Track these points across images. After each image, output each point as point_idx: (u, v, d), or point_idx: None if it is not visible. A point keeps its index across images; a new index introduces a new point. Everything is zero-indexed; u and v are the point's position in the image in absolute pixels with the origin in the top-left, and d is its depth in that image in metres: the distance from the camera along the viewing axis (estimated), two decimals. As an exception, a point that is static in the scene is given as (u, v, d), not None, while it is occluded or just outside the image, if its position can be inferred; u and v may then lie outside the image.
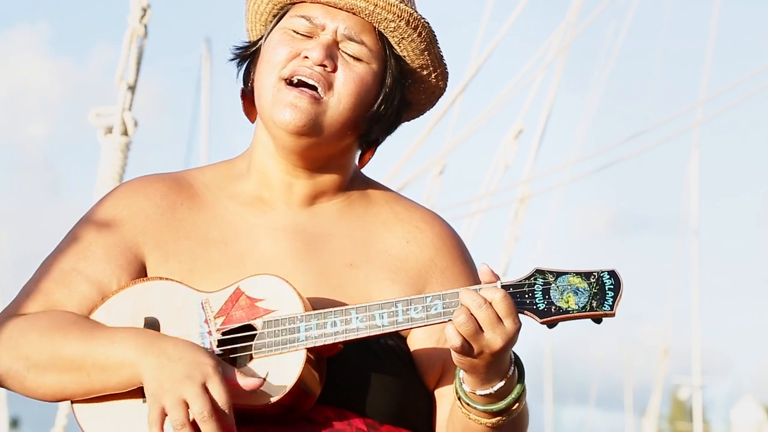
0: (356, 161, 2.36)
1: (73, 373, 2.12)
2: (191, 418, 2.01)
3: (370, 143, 2.35)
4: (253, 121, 2.35)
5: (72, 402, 2.16)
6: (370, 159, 2.38)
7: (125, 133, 4.96)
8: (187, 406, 2.02)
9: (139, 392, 2.11)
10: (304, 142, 2.23)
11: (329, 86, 2.23)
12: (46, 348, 2.14)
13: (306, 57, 2.22)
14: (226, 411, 2.01)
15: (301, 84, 2.23)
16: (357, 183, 2.35)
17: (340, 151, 2.30)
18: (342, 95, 2.23)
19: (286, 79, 2.23)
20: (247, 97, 2.35)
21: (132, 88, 4.99)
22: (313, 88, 2.22)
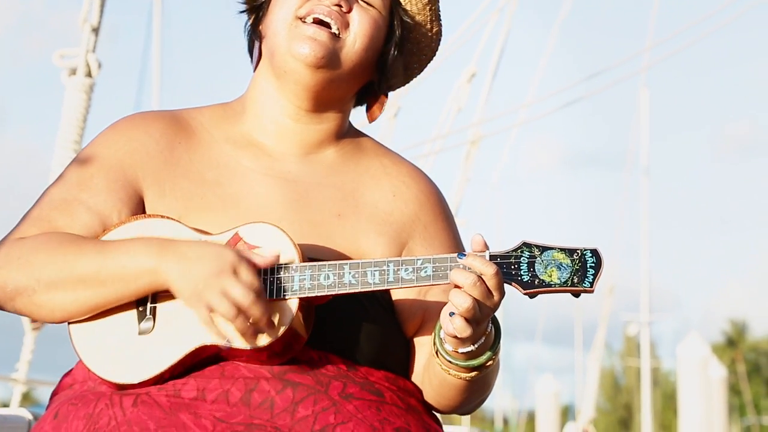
0: (356, 113, 2.43)
1: (88, 287, 2.15)
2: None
3: (373, 95, 2.41)
4: (255, 69, 2.40)
5: (69, 324, 2.20)
6: (380, 113, 2.46)
7: (89, 74, 5.03)
8: (230, 297, 2.07)
9: (134, 321, 2.17)
10: (320, 76, 2.30)
11: (345, 25, 2.31)
12: (59, 264, 2.16)
13: None
14: (258, 291, 2.08)
15: (317, 22, 2.30)
16: (350, 134, 2.42)
17: (342, 98, 2.37)
18: (357, 35, 2.31)
19: (302, 18, 2.31)
20: (252, 40, 2.41)
21: (96, 30, 5.05)
22: (330, 26, 2.30)
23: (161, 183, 2.30)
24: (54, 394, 2.28)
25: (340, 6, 2.31)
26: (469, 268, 2.09)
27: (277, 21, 2.32)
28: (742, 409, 53.46)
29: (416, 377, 2.32)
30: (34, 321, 2.27)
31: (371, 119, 2.45)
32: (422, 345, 2.32)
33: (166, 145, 2.33)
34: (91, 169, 2.30)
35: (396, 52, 2.38)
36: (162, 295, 2.18)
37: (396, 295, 2.32)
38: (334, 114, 2.37)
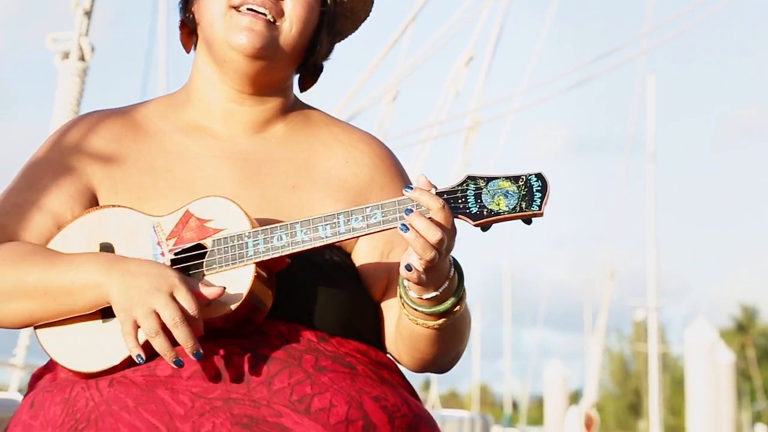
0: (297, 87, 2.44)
1: (38, 300, 2.17)
2: (161, 325, 2.09)
3: (310, 70, 2.43)
4: (189, 52, 2.43)
5: (35, 327, 2.22)
6: (312, 84, 2.47)
7: (82, 58, 5.01)
8: (158, 316, 2.07)
9: (98, 314, 2.18)
10: (259, 65, 2.31)
11: (280, 13, 2.31)
12: (10, 277, 2.17)
13: None
14: (195, 316, 2.10)
15: (252, 11, 2.30)
16: (296, 108, 2.44)
17: (284, 78, 2.39)
18: (293, 20, 2.32)
19: (236, 7, 2.31)
20: (186, 27, 2.42)
21: (88, 14, 5.03)
22: (265, 14, 2.30)
23: (112, 176, 2.31)
24: (30, 387, 2.29)
25: None
26: (416, 204, 2.09)
27: (210, 10, 2.32)
28: (752, 395, 53.43)
29: (389, 339, 2.33)
30: None
31: (303, 90, 2.46)
32: (390, 307, 2.33)
33: (112, 140, 2.35)
34: (39, 172, 2.32)
35: (326, 32, 2.39)
36: None
37: (359, 260, 2.33)
38: (277, 92, 2.38)
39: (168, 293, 2.09)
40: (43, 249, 2.23)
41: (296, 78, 2.45)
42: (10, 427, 2.20)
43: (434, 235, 2.08)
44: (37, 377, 2.29)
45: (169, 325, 2.07)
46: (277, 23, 2.30)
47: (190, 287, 2.11)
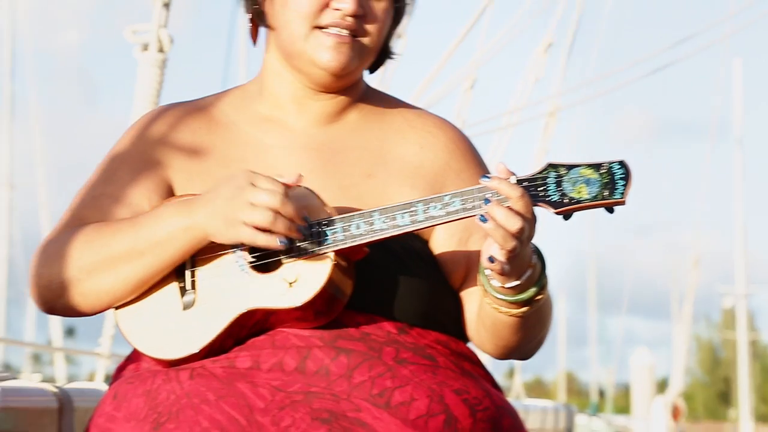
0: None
1: (128, 261, 2.19)
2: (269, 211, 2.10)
3: (380, 58, 2.40)
4: (255, 44, 2.41)
5: (117, 313, 2.24)
6: (380, 67, 2.45)
7: (161, 50, 5.05)
8: (258, 205, 2.10)
9: (178, 301, 2.20)
10: (341, 81, 2.33)
11: (363, 32, 2.30)
12: (97, 247, 2.20)
13: (337, 9, 2.27)
14: (282, 194, 2.10)
15: (336, 31, 2.28)
16: (369, 95, 2.42)
17: (359, 75, 2.38)
18: (373, 35, 2.31)
19: (320, 27, 2.29)
20: (254, 20, 2.39)
21: (167, 5, 5.07)
22: (348, 34, 2.28)
23: (187, 169, 2.32)
24: (113, 378, 2.31)
25: (356, 15, 2.28)
26: (495, 193, 2.08)
27: (293, 26, 2.30)
28: None
29: (470, 327, 2.31)
30: (81, 315, 2.28)
31: (371, 72, 2.44)
32: (470, 294, 2.30)
33: (187, 132, 2.35)
34: (116, 165, 2.34)
35: (396, 28, 2.40)
36: (202, 265, 2.20)
37: (436, 248, 2.31)
38: (349, 87, 2.37)
39: (250, 183, 2.12)
40: (121, 220, 2.25)
41: None
42: (94, 417, 2.22)
43: (514, 224, 2.06)
44: (120, 369, 2.30)
45: (276, 206, 2.09)
46: (358, 37, 2.30)
47: (262, 174, 2.13)
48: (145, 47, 5.04)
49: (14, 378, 2.70)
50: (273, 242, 2.11)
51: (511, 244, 2.07)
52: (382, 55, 2.39)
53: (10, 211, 30.47)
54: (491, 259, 2.10)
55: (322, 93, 2.35)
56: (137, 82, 5.03)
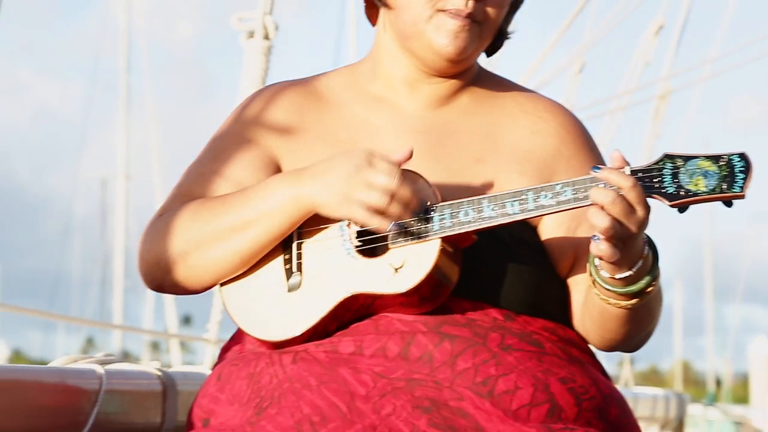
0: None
1: (235, 233, 2.19)
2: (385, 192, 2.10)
3: (497, 42, 2.37)
4: (374, 24, 2.39)
5: (222, 291, 2.24)
6: (497, 51, 2.41)
7: (267, 37, 5.07)
8: (376, 186, 2.09)
9: (283, 283, 2.20)
10: (455, 67, 2.30)
11: (484, 15, 2.27)
12: (204, 220, 2.21)
13: None
14: (399, 175, 2.09)
15: (458, 15, 2.25)
16: (481, 78, 2.39)
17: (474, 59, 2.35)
18: (491, 20, 2.28)
19: (442, 9, 2.26)
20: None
21: (272, -7, 5.08)
22: (470, 19, 2.25)
23: (295, 149, 2.31)
24: (219, 359, 2.32)
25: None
26: (607, 184, 2.03)
27: (415, 8, 2.26)
28: None
29: (576, 317, 2.27)
30: (189, 292, 2.30)
31: (488, 56, 2.41)
32: (577, 284, 2.26)
33: (296, 112, 2.34)
34: (224, 144, 2.34)
35: (513, 14, 2.36)
36: (308, 248, 2.20)
37: (544, 236, 2.27)
38: (465, 69, 2.34)
39: (368, 163, 2.11)
40: (228, 194, 2.24)
41: None
42: (198, 398, 2.23)
43: (620, 213, 2.01)
44: (225, 349, 2.30)
45: (393, 188, 2.08)
46: (478, 22, 2.26)
47: (379, 153, 2.12)
48: (251, 34, 5.05)
49: (120, 361, 2.73)
50: (385, 225, 2.11)
51: (613, 231, 2.03)
52: (499, 38, 2.36)
53: (127, 201, 31.09)
54: (596, 238, 2.05)
55: (435, 77, 2.33)
56: (243, 70, 5.06)
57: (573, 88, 6.69)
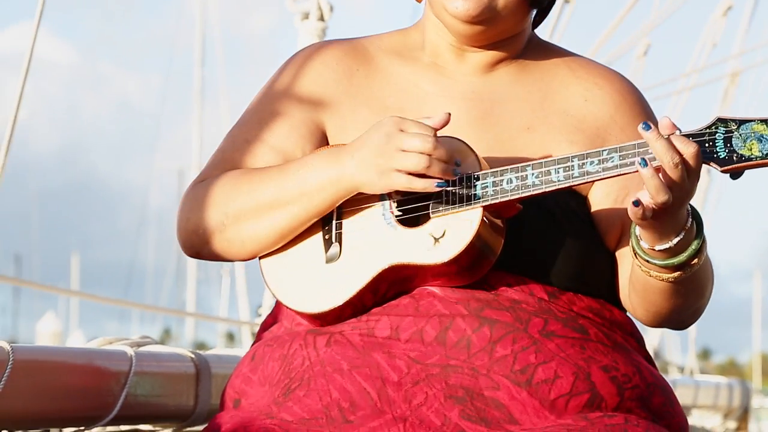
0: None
1: (274, 210, 2.16)
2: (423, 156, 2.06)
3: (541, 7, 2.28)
4: (420, 1, 2.33)
5: (260, 258, 2.21)
6: (542, 20, 2.34)
7: (321, 18, 5.05)
8: (409, 151, 2.05)
9: (318, 232, 2.17)
10: (478, 29, 2.21)
11: None
12: (244, 194, 2.17)
13: None
14: (433, 135, 2.05)
15: None
16: (532, 45, 2.31)
17: (512, 27, 2.25)
18: None
19: None
20: None
21: (327, -27, 5.06)
22: None
23: (342, 115, 2.25)
24: (256, 338, 2.28)
25: None
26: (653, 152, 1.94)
27: None
28: None
29: (623, 291, 2.19)
30: (226, 261, 2.26)
31: (533, 28, 2.33)
32: (624, 256, 2.18)
33: (343, 74, 2.28)
34: (270, 107, 2.28)
35: None
36: (347, 218, 2.16)
37: (592, 207, 2.19)
38: (509, 37, 2.26)
39: (399, 129, 2.06)
40: (269, 167, 2.21)
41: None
42: (232, 377, 2.21)
43: (672, 171, 1.93)
44: (264, 328, 2.26)
45: (428, 149, 2.04)
46: None
47: (409, 118, 2.08)
48: (306, 16, 5.04)
49: (154, 343, 2.69)
50: (430, 185, 2.05)
51: (663, 197, 1.95)
52: (540, 9, 2.27)
53: (201, 193, 31.29)
54: (636, 203, 1.97)
55: (477, 46, 2.25)
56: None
57: (638, 71, 6.59)
